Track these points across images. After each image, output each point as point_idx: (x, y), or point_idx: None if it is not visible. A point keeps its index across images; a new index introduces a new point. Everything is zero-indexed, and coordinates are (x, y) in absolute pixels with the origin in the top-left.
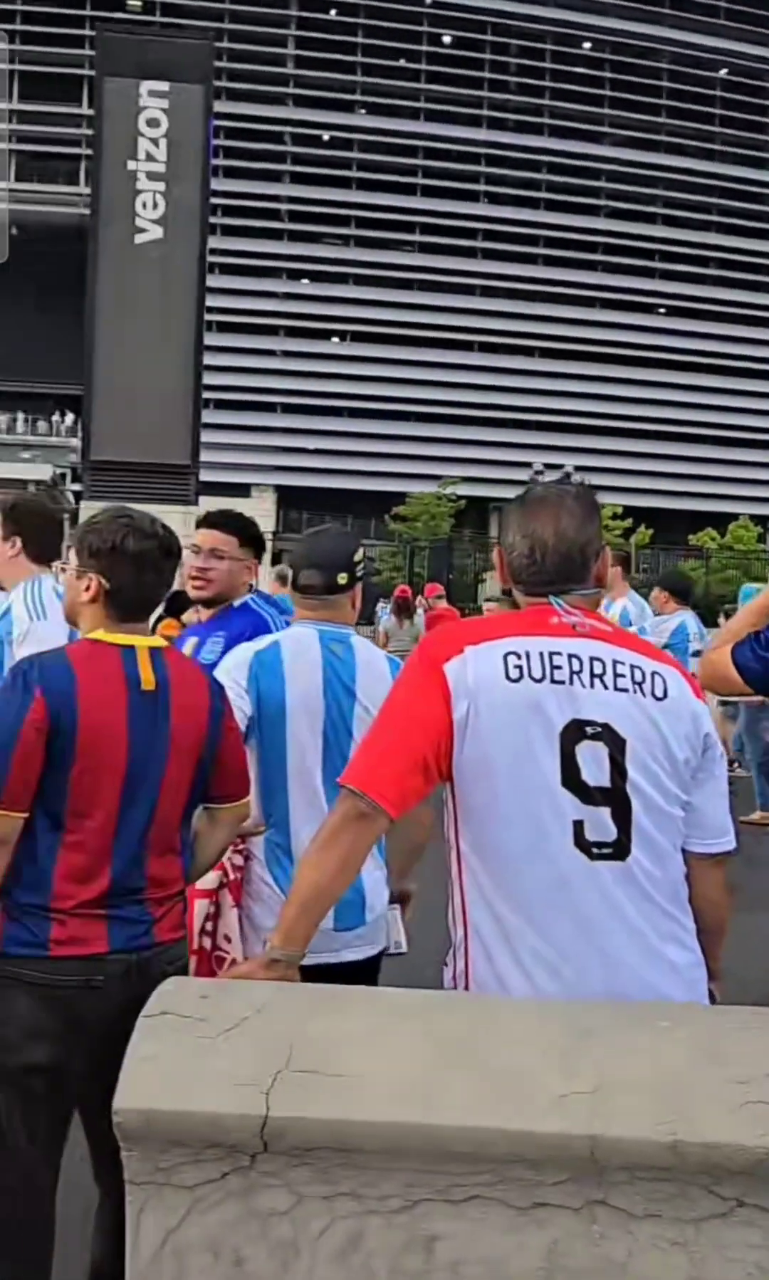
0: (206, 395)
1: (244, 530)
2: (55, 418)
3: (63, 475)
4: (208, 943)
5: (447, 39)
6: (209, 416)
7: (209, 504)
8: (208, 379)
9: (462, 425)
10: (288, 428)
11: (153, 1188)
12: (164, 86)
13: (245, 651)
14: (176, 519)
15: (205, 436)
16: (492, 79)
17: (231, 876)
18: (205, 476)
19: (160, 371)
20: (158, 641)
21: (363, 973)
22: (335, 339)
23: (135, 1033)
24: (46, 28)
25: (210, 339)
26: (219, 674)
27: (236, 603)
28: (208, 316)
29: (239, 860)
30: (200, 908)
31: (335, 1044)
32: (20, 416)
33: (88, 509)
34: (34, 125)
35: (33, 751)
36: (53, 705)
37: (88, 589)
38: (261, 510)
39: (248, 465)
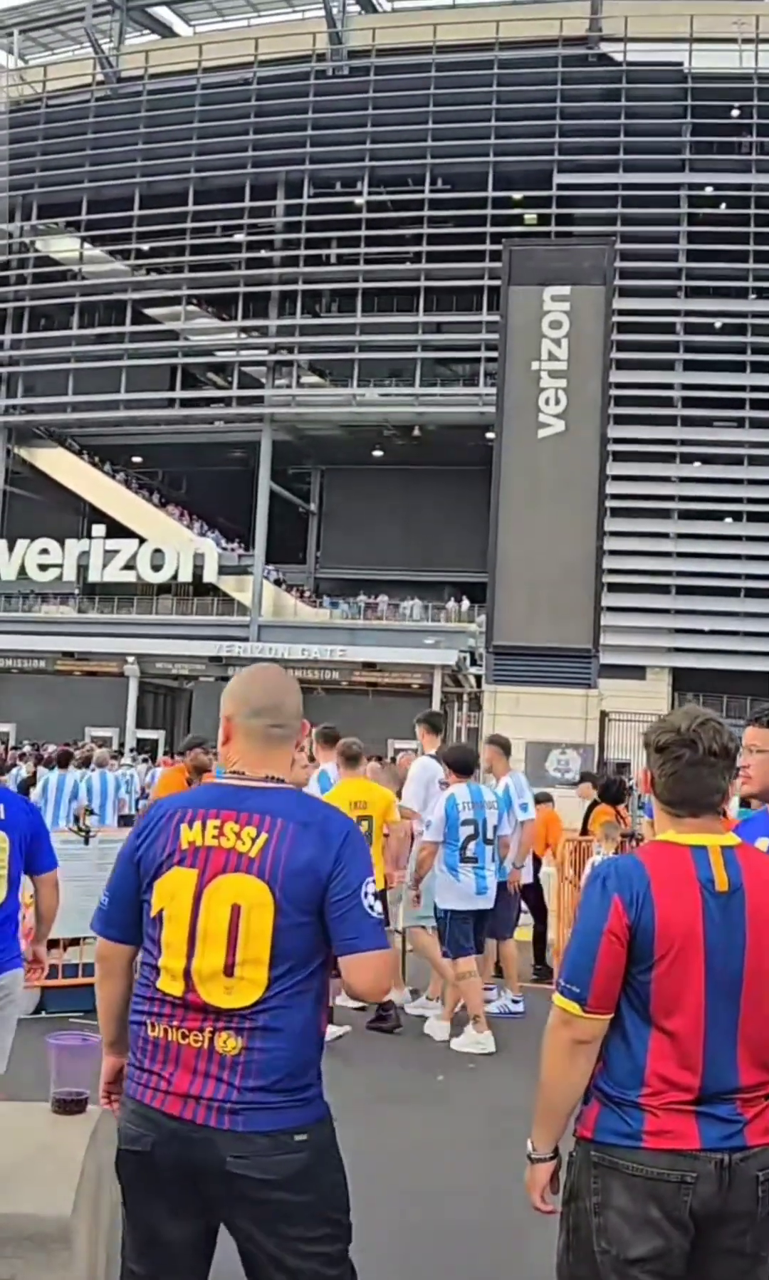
0: (604, 579)
1: None
2: (451, 604)
3: (464, 658)
4: None
5: None
6: (605, 600)
7: (606, 687)
8: (605, 563)
9: None
10: (682, 609)
11: None
12: (565, 291)
13: None
14: (577, 702)
15: (603, 620)
16: None
17: None
18: (602, 659)
19: (562, 558)
20: (730, 840)
21: None
22: (729, 519)
23: None
24: (447, 246)
25: (606, 524)
26: None
27: None
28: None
29: None
30: None
31: None
32: (418, 604)
33: (491, 693)
34: (437, 335)
35: (614, 956)
36: (629, 909)
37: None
38: (656, 693)
39: (642, 647)
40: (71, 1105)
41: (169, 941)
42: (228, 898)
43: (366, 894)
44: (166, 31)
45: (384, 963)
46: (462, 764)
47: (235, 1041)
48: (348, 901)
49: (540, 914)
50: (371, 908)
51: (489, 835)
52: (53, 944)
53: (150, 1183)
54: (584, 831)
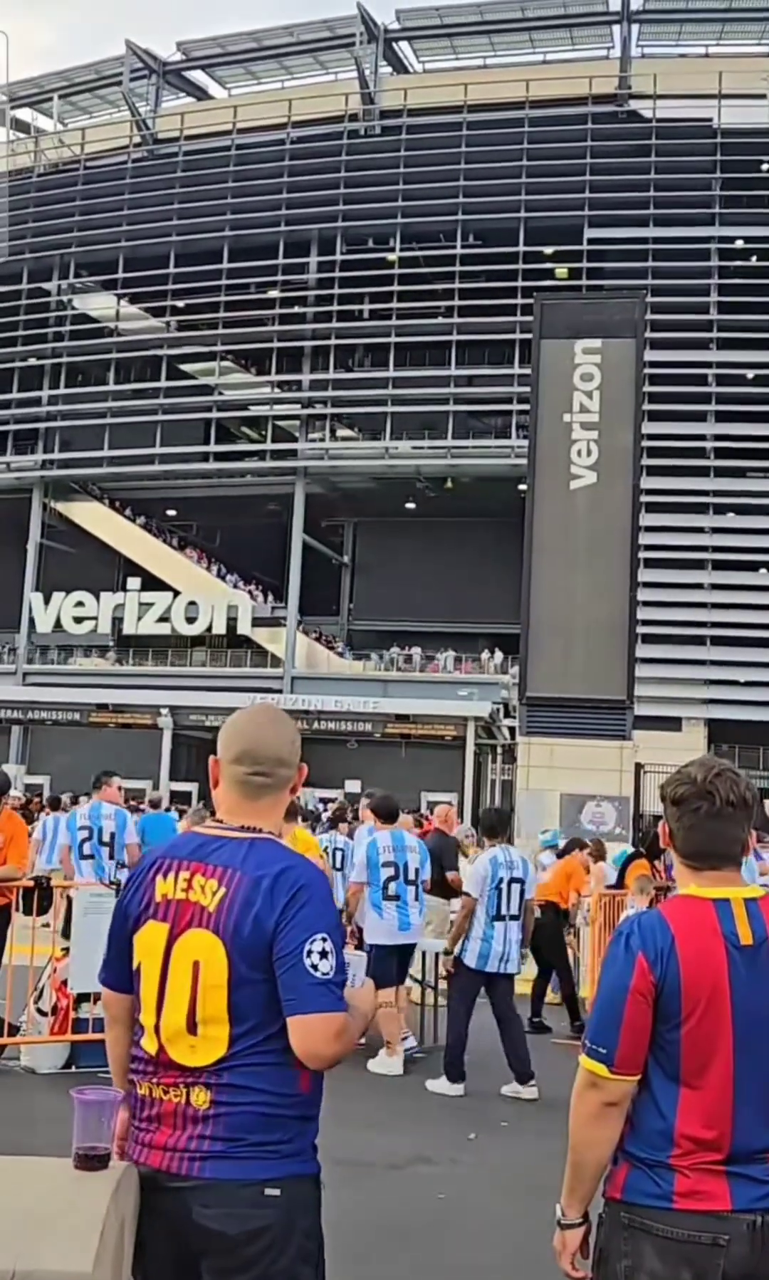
0: (638, 630)
1: None
2: (485, 655)
3: (497, 710)
4: None
5: None
6: (639, 651)
7: (641, 738)
8: (639, 614)
9: None
10: (717, 660)
11: None
12: (597, 344)
13: None
14: (612, 754)
15: (637, 671)
16: None
17: None
18: (637, 710)
19: (596, 610)
20: (754, 892)
21: None
22: (763, 570)
23: None
24: (479, 301)
25: (640, 575)
26: None
27: None
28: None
29: None
30: None
31: None
32: (451, 655)
33: (525, 745)
34: (469, 388)
35: (640, 1017)
36: (654, 966)
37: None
38: (691, 745)
39: (677, 699)
40: (93, 1160)
41: (144, 997)
42: (191, 954)
43: (310, 953)
44: (201, 94)
45: (325, 1026)
46: (387, 812)
47: (205, 1095)
48: (288, 960)
49: (564, 970)
50: (314, 968)
51: (410, 876)
52: (84, 998)
53: (141, 1240)
54: (620, 885)
